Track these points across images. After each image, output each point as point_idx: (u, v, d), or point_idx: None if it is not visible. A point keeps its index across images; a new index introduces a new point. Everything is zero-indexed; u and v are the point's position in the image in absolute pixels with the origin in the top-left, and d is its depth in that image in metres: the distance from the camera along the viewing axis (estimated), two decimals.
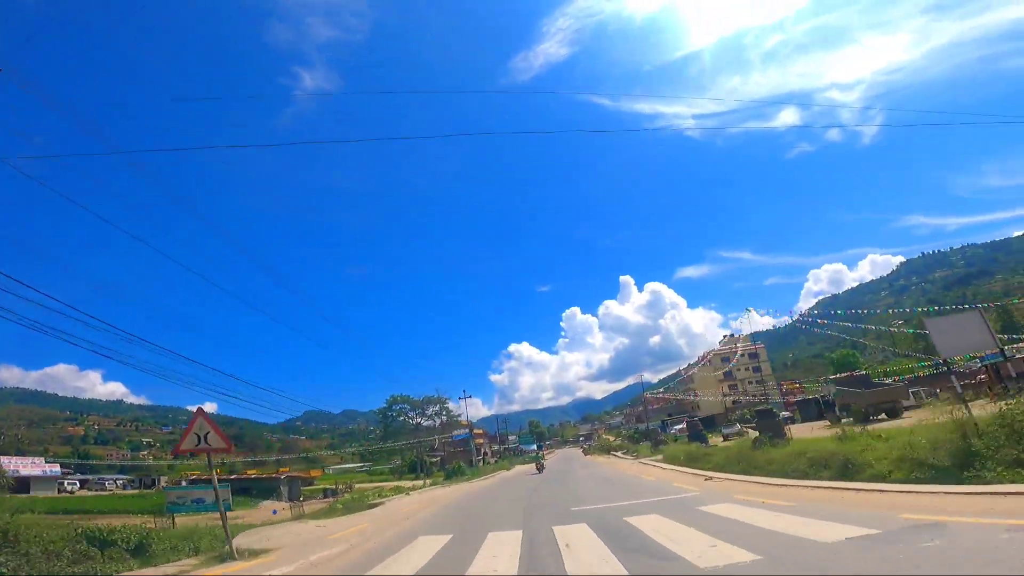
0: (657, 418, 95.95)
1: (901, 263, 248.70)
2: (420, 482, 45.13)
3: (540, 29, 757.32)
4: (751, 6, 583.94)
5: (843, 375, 51.81)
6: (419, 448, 72.88)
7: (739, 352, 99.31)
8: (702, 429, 43.67)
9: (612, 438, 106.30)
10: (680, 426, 64.40)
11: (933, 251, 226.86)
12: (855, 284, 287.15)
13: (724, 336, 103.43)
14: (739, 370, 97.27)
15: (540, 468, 39.95)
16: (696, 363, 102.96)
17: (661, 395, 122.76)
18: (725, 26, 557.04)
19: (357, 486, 44.73)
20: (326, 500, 32.06)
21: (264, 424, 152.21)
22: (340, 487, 43.88)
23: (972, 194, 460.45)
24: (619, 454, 57.16)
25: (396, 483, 47.63)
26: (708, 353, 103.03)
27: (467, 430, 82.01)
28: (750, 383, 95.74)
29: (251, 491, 39.17)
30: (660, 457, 33.21)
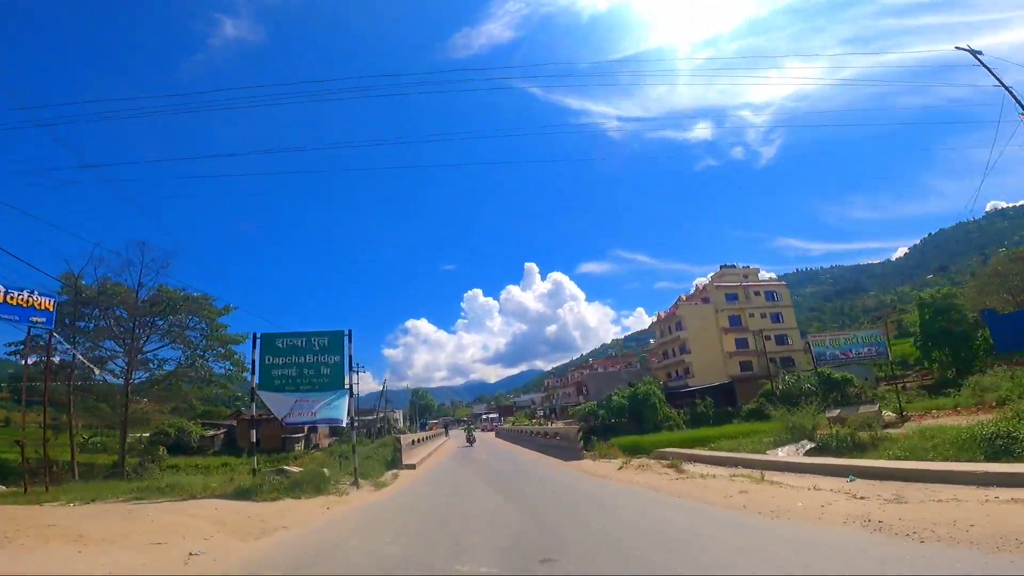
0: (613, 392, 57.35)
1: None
2: None
3: (489, 8, 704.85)
4: (692, 20, 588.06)
5: None
6: None
7: (750, 287, 63.37)
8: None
9: (533, 421, 67.02)
10: None
11: (805, 268, 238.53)
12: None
13: (699, 285, 66.69)
14: (751, 316, 61.25)
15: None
16: (689, 299, 65.17)
17: (616, 358, 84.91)
18: (665, 36, 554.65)
19: None
20: None
21: None
22: None
23: (838, 223, 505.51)
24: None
25: None
26: (702, 285, 65.66)
27: None
28: (767, 337, 60.31)
29: None
30: None
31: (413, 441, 29.36)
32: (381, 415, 68.32)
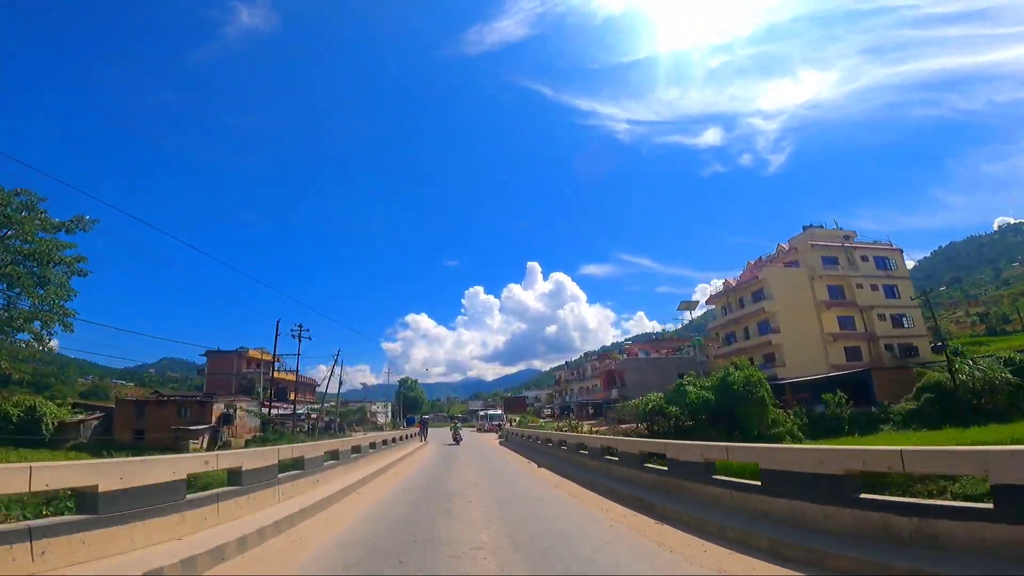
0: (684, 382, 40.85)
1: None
2: None
3: (504, 5, 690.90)
4: (708, 23, 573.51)
5: None
6: None
7: (856, 249, 46.25)
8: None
9: (548, 422, 50.54)
10: None
11: None
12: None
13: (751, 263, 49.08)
14: (858, 287, 44.08)
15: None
16: (766, 261, 47.72)
17: (659, 342, 67.76)
18: (679, 39, 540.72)
19: None
20: None
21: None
22: None
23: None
24: None
25: None
26: (787, 246, 48.31)
27: None
28: (881, 316, 43.21)
29: None
30: None
31: (353, 450, 12.61)
32: (330, 405, 51.33)
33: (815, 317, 42.59)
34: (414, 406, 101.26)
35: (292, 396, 43.10)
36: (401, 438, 25.69)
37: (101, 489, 4.80)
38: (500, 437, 35.11)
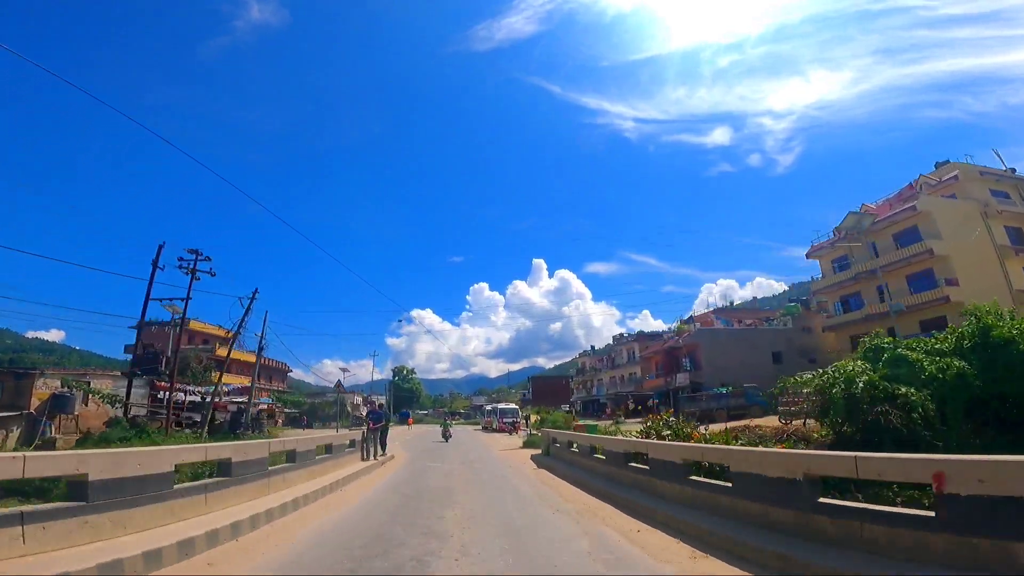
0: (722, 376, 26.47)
1: (792, 286, 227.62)
2: None
3: (512, 0, 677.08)
4: (718, 22, 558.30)
5: None
6: None
7: None
8: None
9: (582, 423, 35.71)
10: None
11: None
12: (739, 301, 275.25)
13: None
14: None
15: None
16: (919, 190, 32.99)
17: (733, 310, 52.95)
18: (689, 37, 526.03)
19: None
20: None
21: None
22: None
23: None
24: None
25: None
26: (944, 174, 33.50)
27: None
28: None
29: None
30: None
31: None
32: (299, 396, 37.41)
33: (997, 267, 28.16)
34: (409, 400, 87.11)
35: (216, 377, 29.04)
36: (339, 447, 11.65)
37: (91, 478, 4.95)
38: (531, 446, 20.89)
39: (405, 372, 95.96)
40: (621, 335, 66.20)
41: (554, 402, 56.71)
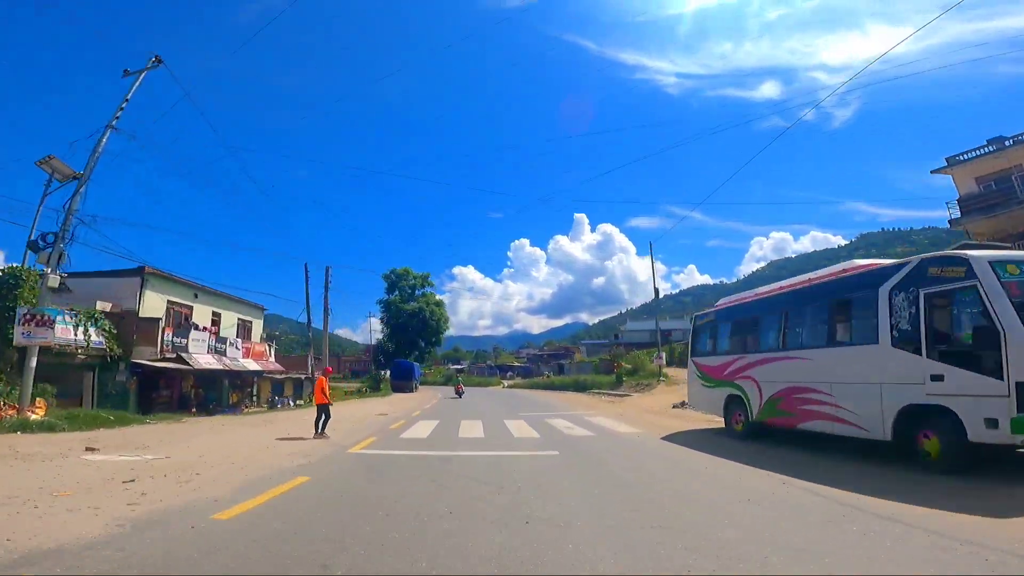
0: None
1: (861, 236, 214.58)
2: None
3: None
4: None
5: None
6: None
7: None
8: None
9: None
10: None
11: (893, 228, 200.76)
12: (794, 255, 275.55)
13: None
14: None
15: None
16: None
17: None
18: None
19: None
20: None
21: None
22: None
23: (917, 189, 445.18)
24: None
25: None
26: None
27: None
28: None
29: None
30: None
31: None
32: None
33: None
34: (421, 330, 54.94)
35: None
36: None
37: None
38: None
39: (400, 273, 58.04)
40: (612, 317, 58.46)
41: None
